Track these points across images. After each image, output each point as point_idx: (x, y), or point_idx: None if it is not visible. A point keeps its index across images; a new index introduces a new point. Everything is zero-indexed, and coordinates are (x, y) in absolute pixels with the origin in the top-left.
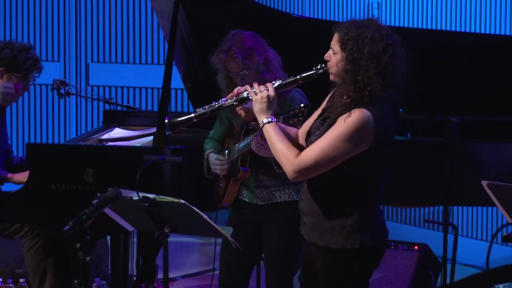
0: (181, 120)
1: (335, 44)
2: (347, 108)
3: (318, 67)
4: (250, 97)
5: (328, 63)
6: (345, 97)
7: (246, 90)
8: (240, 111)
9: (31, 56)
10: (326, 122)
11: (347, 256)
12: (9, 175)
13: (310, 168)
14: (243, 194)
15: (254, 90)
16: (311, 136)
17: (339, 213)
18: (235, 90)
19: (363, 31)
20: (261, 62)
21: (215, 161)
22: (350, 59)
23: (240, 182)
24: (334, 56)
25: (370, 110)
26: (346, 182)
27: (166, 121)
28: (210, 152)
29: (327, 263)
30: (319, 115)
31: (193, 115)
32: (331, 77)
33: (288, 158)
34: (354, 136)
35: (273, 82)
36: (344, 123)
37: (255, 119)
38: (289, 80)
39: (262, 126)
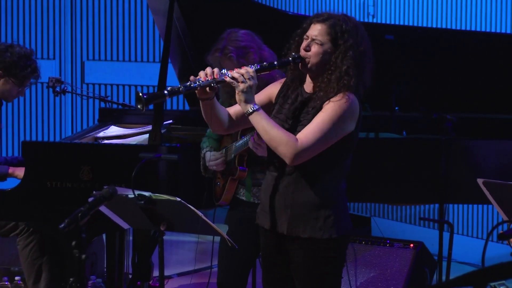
0: (154, 94)
1: (321, 35)
2: (326, 96)
3: (295, 56)
4: (228, 80)
5: (308, 53)
6: (340, 85)
7: (225, 73)
8: (206, 90)
9: (31, 63)
10: (309, 110)
11: (330, 244)
12: (11, 170)
13: (309, 150)
14: (240, 193)
15: (234, 76)
16: (297, 125)
17: (322, 202)
18: (215, 70)
19: (355, 27)
20: (256, 61)
21: (211, 157)
22: (342, 50)
23: (238, 181)
24: (317, 46)
25: (355, 95)
26: (326, 169)
27: (140, 95)
28: (206, 151)
29: (311, 253)
30: (290, 106)
31: (166, 92)
32: (308, 66)
33: (288, 143)
34: (347, 116)
35: (251, 65)
36: (337, 106)
37: (210, 98)
38: (266, 65)
39: (249, 115)
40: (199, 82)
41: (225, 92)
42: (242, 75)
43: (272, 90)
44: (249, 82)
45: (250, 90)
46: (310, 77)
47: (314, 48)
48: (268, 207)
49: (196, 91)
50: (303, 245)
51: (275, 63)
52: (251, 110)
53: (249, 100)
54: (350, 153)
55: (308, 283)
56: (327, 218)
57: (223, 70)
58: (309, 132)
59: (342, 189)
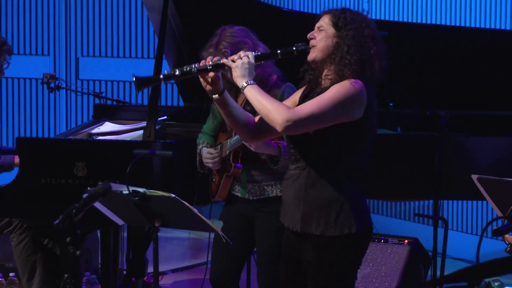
0: (149, 78)
1: (325, 23)
2: (338, 79)
3: (299, 44)
4: (226, 66)
5: (313, 41)
6: (326, 70)
7: (219, 59)
8: (208, 79)
9: None
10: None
11: (343, 242)
12: (16, 160)
13: (302, 120)
14: (235, 189)
15: (231, 57)
16: None
17: (335, 199)
18: (209, 58)
19: (357, 15)
20: None
21: (207, 154)
22: (348, 35)
23: (233, 178)
24: (321, 32)
25: (362, 81)
26: (339, 164)
27: (134, 79)
28: (203, 147)
29: (323, 251)
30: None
31: (161, 76)
32: (312, 55)
33: (278, 109)
34: (348, 102)
35: (253, 52)
36: (340, 88)
37: (218, 91)
38: (268, 52)
39: (244, 88)
40: (195, 66)
41: (226, 81)
42: (239, 55)
43: (296, 97)
44: (244, 59)
45: (246, 67)
46: (319, 67)
47: (318, 35)
48: (285, 204)
49: (203, 85)
50: (315, 242)
51: (278, 51)
52: (245, 84)
53: (244, 75)
54: (364, 146)
55: (319, 281)
56: (339, 214)
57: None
58: (306, 104)
59: (358, 185)
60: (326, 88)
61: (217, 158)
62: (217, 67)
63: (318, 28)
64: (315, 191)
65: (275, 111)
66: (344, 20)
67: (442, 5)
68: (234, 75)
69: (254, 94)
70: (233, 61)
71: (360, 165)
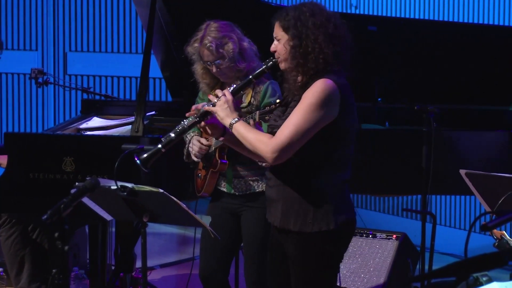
0: (151, 153)
1: (277, 32)
2: (306, 86)
3: (267, 60)
4: (207, 110)
5: (276, 53)
6: (300, 76)
7: (203, 106)
8: (206, 128)
9: None
10: (287, 108)
11: (322, 238)
12: (3, 160)
13: (286, 145)
14: (221, 184)
15: (211, 103)
16: (274, 126)
17: (313, 195)
18: (193, 107)
19: (300, 8)
20: (235, 51)
21: (196, 142)
22: (296, 34)
23: (219, 173)
24: (279, 42)
25: (331, 78)
26: (316, 161)
27: (136, 160)
28: (194, 135)
29: (302, 248)
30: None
31: (160, 146)
32: (282, 66)
33: (263, 141)
34: (323, 103)
35: (228, 88)
36: (310, 95)
37: (221, 134)
38: (243, 82)
39: (231, 127)
40: (185, 123)
41: (205, 84)
42: (217, 94)
43: None
44: (222, 99)
45: (226, 107)
46: (292, 75)
47: (278, 46)
48: (268, 200)
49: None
50: (294, 239)
51: (250, 77)
52: (232, 122)
53: (227, 115)
54: (342, 142)
55: (300, 277)
56: (317, 211)
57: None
58: (283, 127)
59: (338, 182)
60: (300, 96)
61: (203, 152)
62: (204, 115)
63: (276, 38)
64: (293, 188)
65: (261, 145)
66: (288, 21)
67: (430, 0)
68: (219, 118)
69: (240, 131)
70: (214, 105)
71: (339, 161)
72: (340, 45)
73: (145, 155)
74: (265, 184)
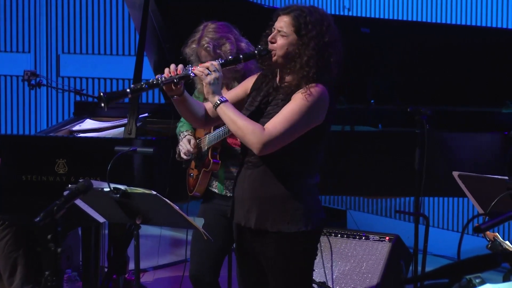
0: (117, 93)
1: (285, 27)
2: (297, 87)
3: (261, 48)
4: (192, 75)
5: (274, 45)
6: (289, 76)
7: (187, 69)
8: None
9: None
10: (278, 102)
11: (301, 238)
12: None
13: (276, 139)
14: (213, 185)
15: (199, 70)
16: (263, 117)
17: (290, 197)
18: (180, 66)
19: (321, 17)
20: (233, 52)
21: (186, 141)
22: (306, 40)
23: (211, 173)
24: (282, 38)
25: (324, 84)
26: (296, 162)
27: (102, 94)
28: (187, 135)
29: (282, 248)
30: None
31: (128, 90)
32: (274, 59)
33: (254, 131)
34: (315, 108)
35: (217, 60)
36: (305, 96)
37: (179, 93)
38: (231, 59)
39: (217, 106)
40: (161, 78)
41: (200, 82)
42: (207, 68)
43: (248, 84)
44: (214, 74)
45: (217, 82)
46: (279, 69)
47: (279, 40)
48: (238, 201)
49: (164, 88)
50: (272, 239)
51: (240, 56)
52: (218, 102)
53: (216, 91)
54: (319, 146)
55: (279, 276)
56: (295, 212)
57: (188, 65)
58: (277, 122)
59: (312, 183)
60: (288, 95)
61: (192, 153)
62: (183, 78)
63: (279, 31)
64: (270, 189)
65: (250, 134)
66: (306, 25)
67: (423, 2)
68: (205, 91)
69: (227, 114)
70: (200, 72)
71: (314, 164)
72: (336, 53)
73: (110, 92)
74: (232, 183)
